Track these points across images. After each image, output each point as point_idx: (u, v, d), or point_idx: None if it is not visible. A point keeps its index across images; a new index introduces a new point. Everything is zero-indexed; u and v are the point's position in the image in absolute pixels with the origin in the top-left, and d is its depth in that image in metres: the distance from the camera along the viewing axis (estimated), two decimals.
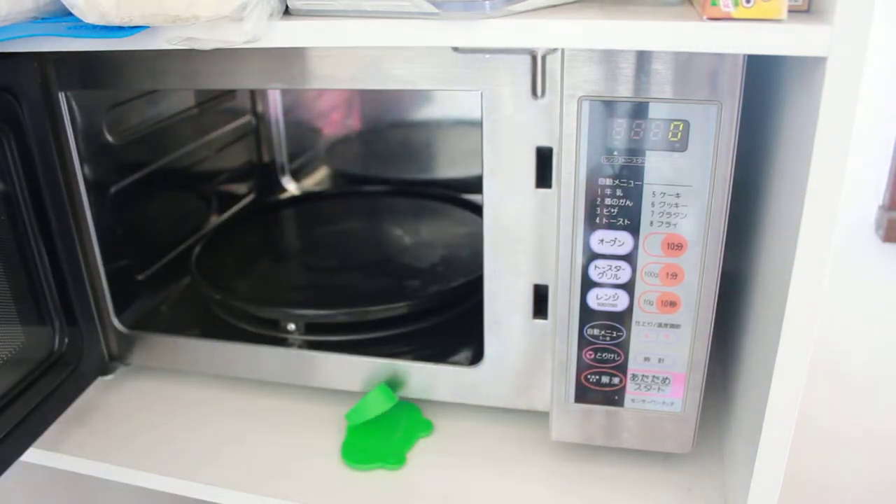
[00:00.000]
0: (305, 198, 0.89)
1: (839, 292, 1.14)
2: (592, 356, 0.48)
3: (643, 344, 0.47)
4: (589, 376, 0.48)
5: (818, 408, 1.16)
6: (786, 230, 0.39)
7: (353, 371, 0.58)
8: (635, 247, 0.44)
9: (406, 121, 0.85)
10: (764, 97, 0.49)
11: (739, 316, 0.53)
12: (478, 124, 0.46)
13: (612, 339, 0.47)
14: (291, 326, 0.62)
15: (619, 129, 0.41)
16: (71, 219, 0.58)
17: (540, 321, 0.51)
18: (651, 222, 0.43)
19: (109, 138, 0.62)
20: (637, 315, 0.46)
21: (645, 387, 0.48)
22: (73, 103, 0.56)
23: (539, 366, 0.52)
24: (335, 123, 0.89)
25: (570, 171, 0.43)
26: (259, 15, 0.39)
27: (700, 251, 0.43)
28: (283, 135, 0.90)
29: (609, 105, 0.41)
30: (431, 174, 0.86)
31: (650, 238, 0.44)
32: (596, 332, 0.47)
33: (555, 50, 0.43)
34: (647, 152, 0.41)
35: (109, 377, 0.65)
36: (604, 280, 0.45)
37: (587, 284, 0.46)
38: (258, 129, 0.89)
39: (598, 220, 0.44)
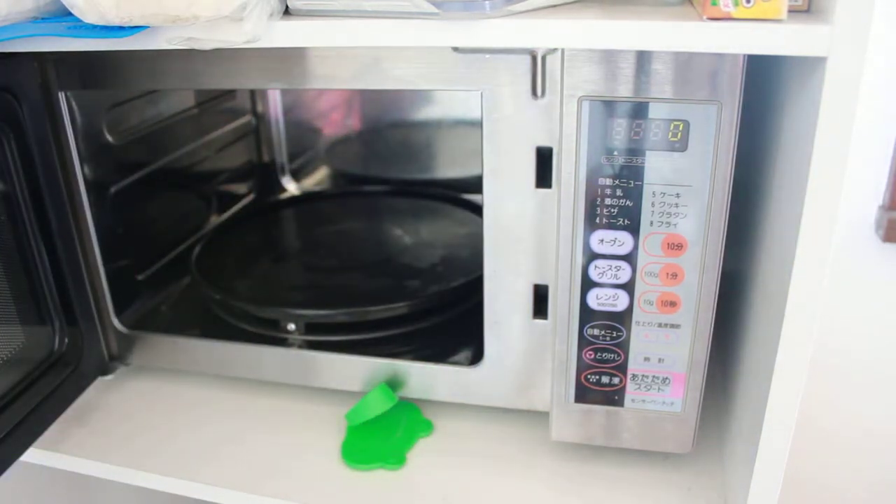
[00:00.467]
0: (305, 198, 0.89)
1: (839, 292, 1.14)
2: (592, 356, 0.48)
3: (643, 344, 0.47)
4: (589, 376, 0.48)
5: (818, 408, 1.16)
6: (786, 230, 0.39)
7: (353, 371, 0.58)
8: (635, 247, 0.44)
9: (406, 121, 0.85)
10: (764, 97, 0.49)
11: (739, 316, 0.53)
12: (478, 124, 0.46)
13: (612, 339, 0.47)
14: (291, 326, 0.62)
15: (619, 129, 0.41)
16: (71, 219, 0.58)
17: (540, 321, 0.51)
18: (651, 222, 0.43)
19: (109, 138, 0.62)
20: (637, 315, 0.46)
21: (645, 387, 0.48)
22: (73, 103, 0.56)
23: (539, 366, 0.52)
24: (335, 123, 0.89)
25: (570, 171, 0.43)
26: (259, 15, 0.39)
27: (700, 251, 0.43)
28: (283, 135, 0.90)
29: (609, 105, 0.41)
30: (431, 174, 0.86)
31: (650, 238, 0.44)
32: (596, 332, 0.47)
33: (555, 50, 0.43)
34: (647, 152, 0.41)
35: (109, 377, 0.65)
36: (604, 280, 0.45)
37: (587, 284, 0.46)
38: (258, 129, 0.89)
39: (598, 220, 0.44)
